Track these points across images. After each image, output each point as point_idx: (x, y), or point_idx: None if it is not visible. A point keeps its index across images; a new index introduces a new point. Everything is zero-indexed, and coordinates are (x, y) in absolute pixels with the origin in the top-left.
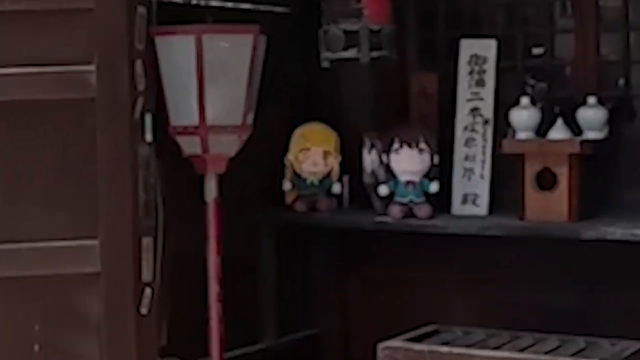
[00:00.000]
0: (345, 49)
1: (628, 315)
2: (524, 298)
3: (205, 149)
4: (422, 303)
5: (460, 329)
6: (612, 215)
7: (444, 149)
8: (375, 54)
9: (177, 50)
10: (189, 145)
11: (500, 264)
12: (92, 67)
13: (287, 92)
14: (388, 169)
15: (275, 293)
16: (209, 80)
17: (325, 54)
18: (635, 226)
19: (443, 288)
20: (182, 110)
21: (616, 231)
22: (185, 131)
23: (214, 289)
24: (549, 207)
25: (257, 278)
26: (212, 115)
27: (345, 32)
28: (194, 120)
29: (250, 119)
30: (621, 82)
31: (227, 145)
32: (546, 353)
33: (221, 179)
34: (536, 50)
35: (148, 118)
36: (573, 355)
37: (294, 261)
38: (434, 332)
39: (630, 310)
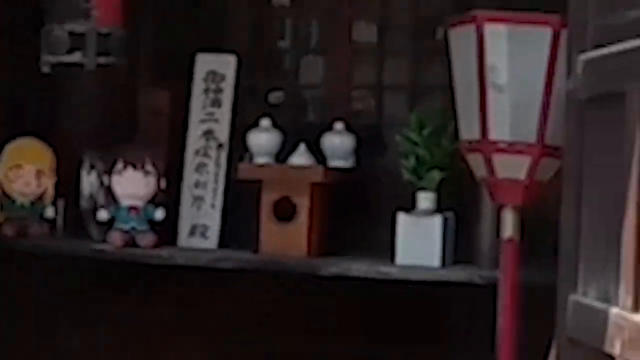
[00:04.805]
0: (69, 52)
1: None
2: (250, 343)
3: None
4: (132, 341)
5: None
6: (356, 253)
7: (172, 174)
8: (102, 60)
9: None
10: None
11: (228, 304)
12: None
13: None
14: (109, 192)
15: None
16: None
17: (47, 57)
18: (380, 263)
19: (164, 327)
20: None
21: (360, 267)
22: None
23: None
24: (286, 240)
25: None
26: None
27: (71, 33)
28: None
29: None
30: (372, 109)
31: None
32: None
33: None
34: (275, 97)
35: None
36: None
37: None
38: None
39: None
